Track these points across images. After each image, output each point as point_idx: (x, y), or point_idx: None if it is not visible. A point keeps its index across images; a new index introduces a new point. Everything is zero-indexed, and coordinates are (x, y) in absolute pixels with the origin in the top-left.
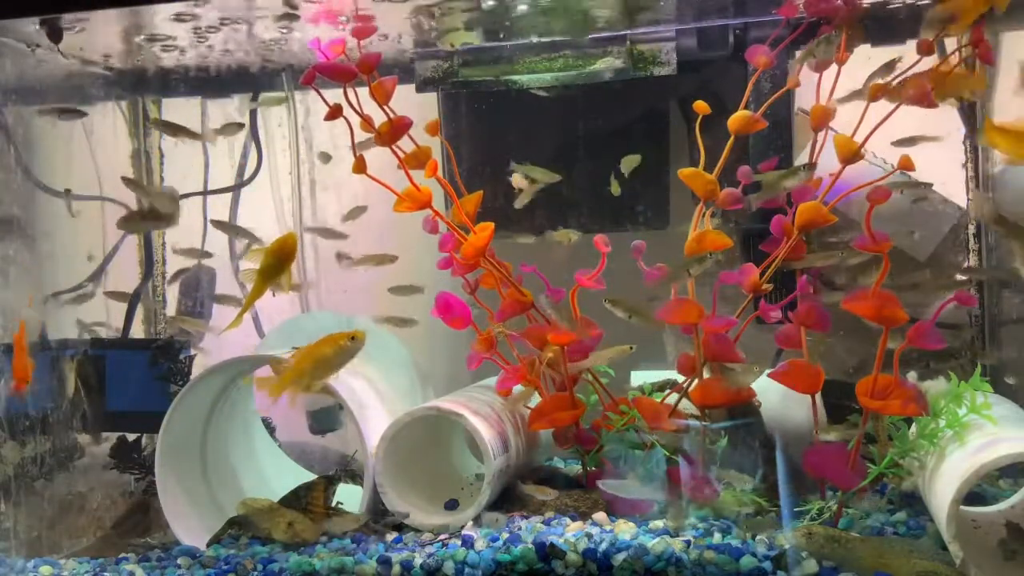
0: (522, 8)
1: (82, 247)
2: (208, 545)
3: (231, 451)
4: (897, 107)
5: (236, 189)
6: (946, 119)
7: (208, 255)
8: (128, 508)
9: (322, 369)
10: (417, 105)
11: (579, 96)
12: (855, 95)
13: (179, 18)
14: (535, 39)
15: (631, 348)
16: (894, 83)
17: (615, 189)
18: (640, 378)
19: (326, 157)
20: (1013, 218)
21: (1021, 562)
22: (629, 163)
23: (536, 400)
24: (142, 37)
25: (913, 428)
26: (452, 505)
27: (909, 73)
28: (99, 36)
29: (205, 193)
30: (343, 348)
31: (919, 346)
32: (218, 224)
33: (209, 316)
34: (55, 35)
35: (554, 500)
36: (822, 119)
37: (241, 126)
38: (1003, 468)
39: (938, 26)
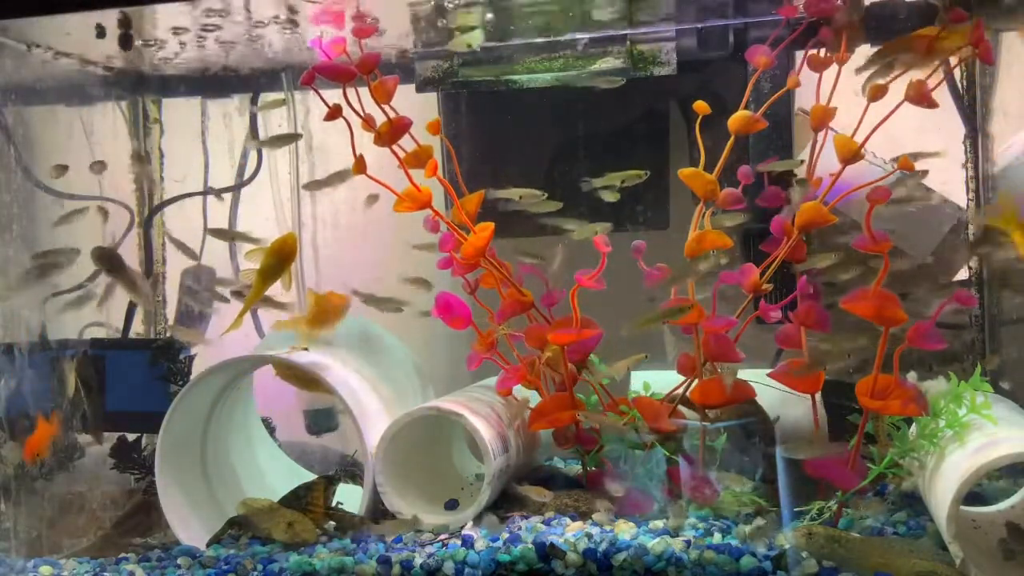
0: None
1: (82, 247)
2: (208, 545)
3: (231, 451)
4: (898, 107)
5: (236, 189)
6: (946, 120)
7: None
8: (130, 508)
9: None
10: (417, 104)
11: (580, 96)
12: (873, 62)
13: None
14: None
15: (645, 356)
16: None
17: (613, 196)
18: (640, 378)
19: (373, 199)
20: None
21: (1021, 562)
22: (614, 179)
23: (536, 400)
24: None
25: (913, 428)
26: (452, 505)
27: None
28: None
29: (205, 193)
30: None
31: (919, 347)
32: (215, 232)
33: (209, 317)
34: (126, 43)
35: (554, 500)
36: (822, 119)
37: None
38: (1003, 468)
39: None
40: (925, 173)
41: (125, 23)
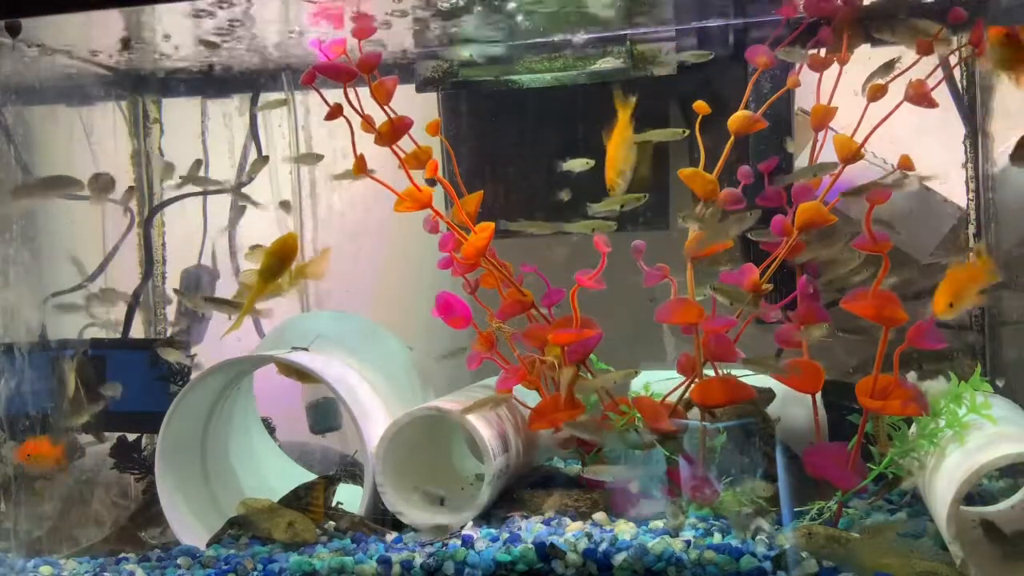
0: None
1: (82, 247)
2: (208, 545)
3: (231, 451)
4: (897, 106)
5: (236, 189)
6: (947, 119)
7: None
8: (141, 503)
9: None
10: (418, 104)
11: (579, 95)
12: None
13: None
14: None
15: (636, 372)
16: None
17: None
18: (641, 378)
19: (316, 158)
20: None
21: (1020, 562)
22: (614, 203)
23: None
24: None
25: (913, 428)
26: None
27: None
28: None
29: (205, 193)
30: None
31: (918, 346)
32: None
33: (208, 317)
34: (14, 31)
35: (554, 500)
36: (822, 119)
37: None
38: (1003, 468)
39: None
40: None
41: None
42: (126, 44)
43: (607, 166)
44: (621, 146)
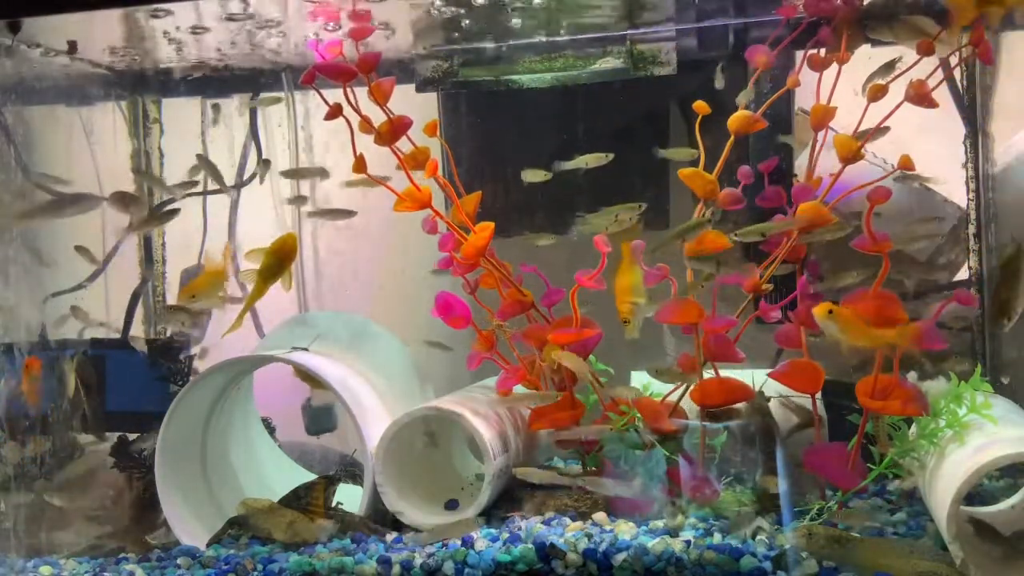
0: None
1: (81, 242)
2: (208, 545)
3: (231, 451)
4: (897, 107)
5: (236, 189)
6: (947, 119)
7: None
8: (139, 504)
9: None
10: (418, 105)
11: (579, 95)
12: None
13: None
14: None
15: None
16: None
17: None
18: (640, 378)
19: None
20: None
21: (1020, 562)
22: (611, 213)
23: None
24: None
25: (913, 428)
26: (452, 505)
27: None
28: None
29: (205, 193)
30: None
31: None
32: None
33: (209, 317)
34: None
35: (554, 500)
36: (822, 119)
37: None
38: (1003, 468)
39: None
40: None
41: None
42: (72, 47)
43: (617, 296)
44: (630, 279)
